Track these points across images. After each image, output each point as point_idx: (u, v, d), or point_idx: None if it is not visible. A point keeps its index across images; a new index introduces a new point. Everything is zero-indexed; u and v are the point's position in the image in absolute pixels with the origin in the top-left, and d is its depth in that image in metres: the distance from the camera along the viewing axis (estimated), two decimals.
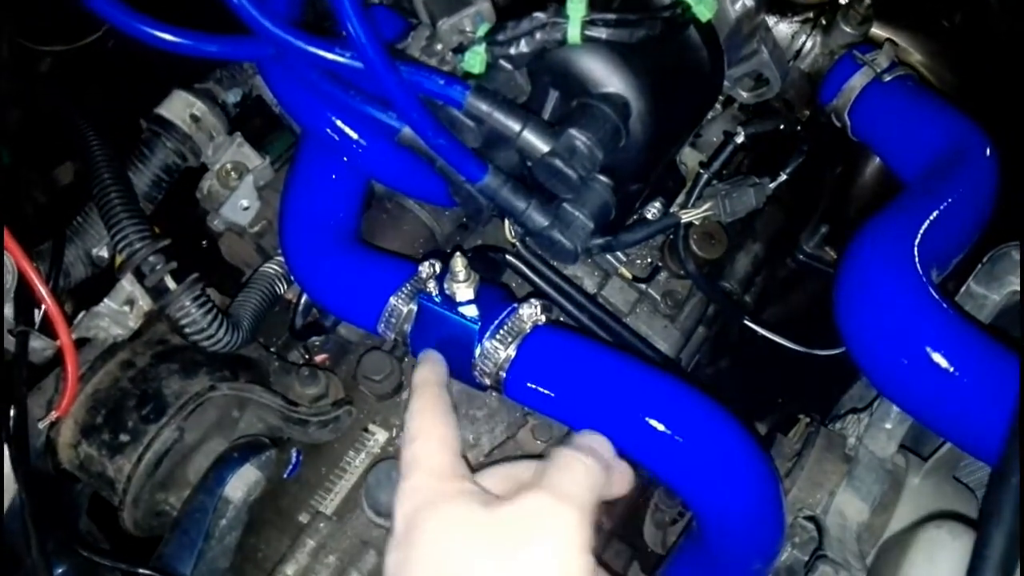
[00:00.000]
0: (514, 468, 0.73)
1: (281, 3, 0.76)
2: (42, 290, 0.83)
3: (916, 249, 0.75)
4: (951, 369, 0.73)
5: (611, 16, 0.73)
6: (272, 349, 1.10)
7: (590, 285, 1.14)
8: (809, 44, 0.98)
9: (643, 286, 1.15)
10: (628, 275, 1.15)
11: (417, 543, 0.62)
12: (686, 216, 1.03)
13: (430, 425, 0.71)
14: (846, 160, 1.38)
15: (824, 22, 0.99)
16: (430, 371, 0.79)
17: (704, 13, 0.76)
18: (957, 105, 0.95)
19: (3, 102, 0.98)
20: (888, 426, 0.98)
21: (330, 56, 0.72)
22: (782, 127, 1.06)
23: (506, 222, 1.02)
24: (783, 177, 1.07)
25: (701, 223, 1.06)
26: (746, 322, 1.16)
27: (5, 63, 0.99)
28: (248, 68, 1.05)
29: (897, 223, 0.78)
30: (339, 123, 0.93)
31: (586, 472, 0.66)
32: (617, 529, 1.28)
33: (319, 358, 1.10)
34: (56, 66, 1.49)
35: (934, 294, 0.75)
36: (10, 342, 0.85)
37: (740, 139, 1.02)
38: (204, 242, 1.15)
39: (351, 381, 1.03)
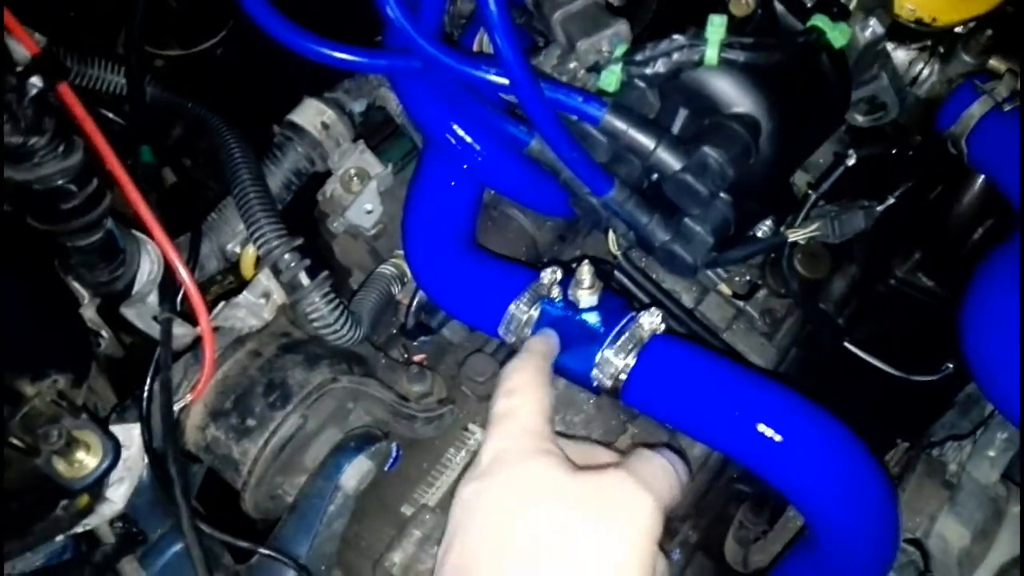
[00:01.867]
0: (595, 450, 0.75)
1: (431, 21, 0.80)
2: (187, 280, 0.88)
3: None
4: None
5: (749, 40, 0.76)
6: (377, 346, 1.15)
7: (688, 300, 1.16)
8: (927, 71, 1.00)
9: (741, 303, 1.17)
10: (727, 291, 1.17)
11: (500, 482, 0.64)
12: (793, 235, 1.04)
13: (530, 385, 0.72)
14: (943, 186, 1.38)
15: (943, 50, 1.00)
16: (542, 342, 0.81)
17: (839, 40, 0.78)
18: None
19: (140, 104, 1.04)
20: (992, 454, 0.98)
21: (478, 73, 0.76)
22: (894, 152, 1.07)
23: (610, 234, 1.05)
24: (891, 200, 1.08)
25: (806, 243, 1.08)
26: (847, 345, 1.17)
27: (138, 69, 1.05)
28: (373, 80, 1.10)
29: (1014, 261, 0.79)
30: (461, 133, 0.97)
31: (665, 471, 0.68)
32: (700, 543, 1.29)
33: (418, 357, 1.14)
34: (169, 70, 1.57)
35: None
36: (155, 328, 0.91)
37: (851, 161, 1.04)
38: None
39: (450, 380, 1.07)
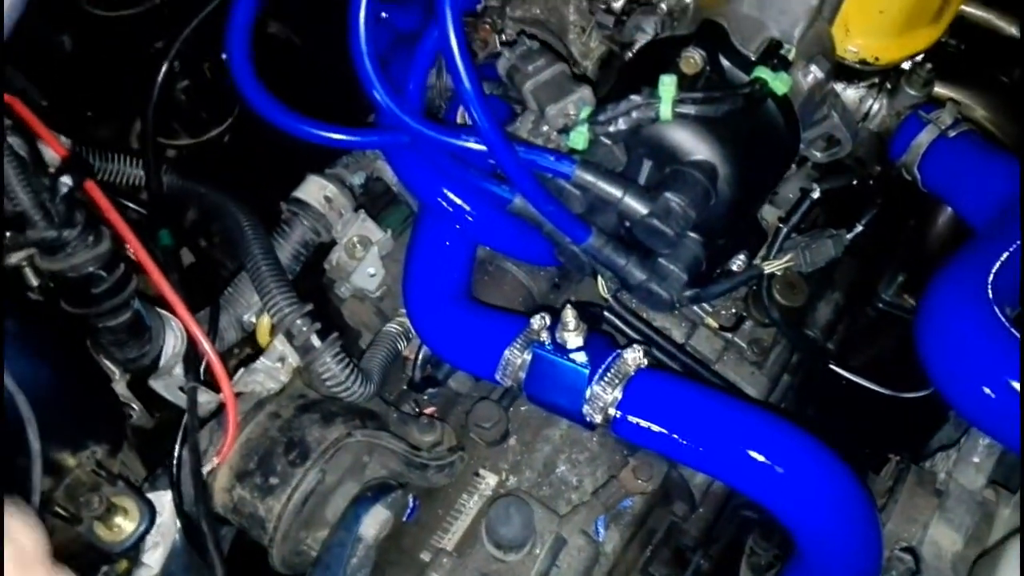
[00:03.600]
0: None
1: (415, 99, 0.90)
2: (209, 352, 0.96)
3: (990, 289, 0.82)
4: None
5: (698, 95, 0.84)
6: (389, 401, 1.22)
7: (678, 335, 1.22)
8: (876, 106, 1.08)
9: (729, 335, 1.23)
10: (714, 324, 1.23)
11: None
12: (768, 267, 1.11)
13: None
14: (919, 211, 1.45)
15: (889, 86, 1.08)
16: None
17: (780, 88, 0.86)
18: (1019, 155, 1.03)
19: (158, 193, 1.13)
20: (976, 460, 1.03)
21: (459, 142, 0.85)
22: (855, 182, 1.15)
23: (599, 279, 1.12)
24: (859, 228, 1.15)
25: (783, 273, 1.15)
26: (832, 367, 1.23)
27: (154, 162, 1.14)
28: (369, 154, 1.20)
29: (970, 266, 0.86)
30: (451, 196, 1.06)
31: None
32: (713, 571, 1.33)
33: (428, 410, 1.21)
34: (180, 158, 1.68)
35: (1011, 329, 0.82)
36: (181, 398, 0.99)
37: (816, 195, 1.11)
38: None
39: (460, 430, 1.13)
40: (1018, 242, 0.86)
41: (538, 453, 1.11)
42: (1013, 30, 1.28)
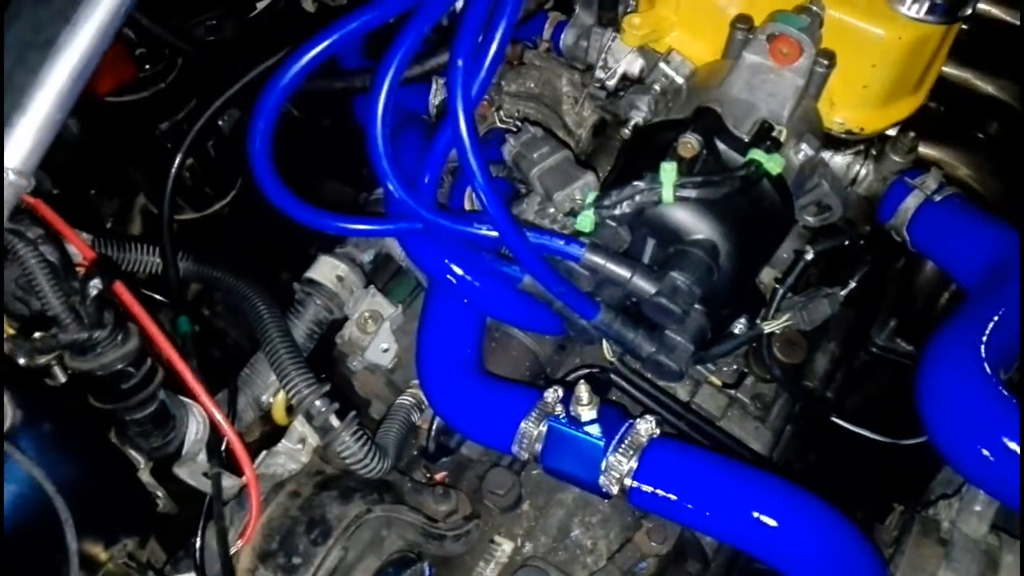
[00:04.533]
0: None
1: (430, 192, 0.94)
2: (232, 436, 0.99)
3: (983, 353, 0.87)
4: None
5: (698, 179, 0.89)
6: (401, 470, 1.24)
7: (683, 394, 1.26)
8: (863, 172, 1.12)
9: (733, 391, 1.27)
10: (718, 382, 1.27)
11: None
12: (768, 328, 1.15)
13: None
14: (907, 256, 1.49)
15: (875, 152, 1.13)
16: None
17: (774, 168, 0.91)
18: (1003, 215, 1.08)
19: (175, 279, 1.15)
20: (978, 508, 1.06)
21: (472, 230, 0.89)
22: (847, 243, 1.19)
23: (604, 343, 1.15)
24: (852, 286, 1.19)
25: (782, 331, 1.19)
26: (833, 419, 1.26)
27: (172, 252, 1.16)
28: None
29: (963, 332, 0.90)
30: (461, 273, 1.09)
31: None
32: None
33: (439, 476, 1.23)
34: (184, 232, 1.71)
35: (1004, 392, 0.86)
36: (205, 483, 1.01)
37: (809, 257, 1.16)
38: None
39: (473, 495, 1.16)
40: (1005, 305, 0.90)
41: (552, 517, 1.13)
42: (989, 88, 1.34)
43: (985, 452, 0.85)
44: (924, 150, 1.26)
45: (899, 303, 1.52)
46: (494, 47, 0.80)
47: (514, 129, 1.22)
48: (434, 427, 1.20)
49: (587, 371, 1.14)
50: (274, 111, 0.84)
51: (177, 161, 1.11)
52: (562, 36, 1.32)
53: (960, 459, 0.89)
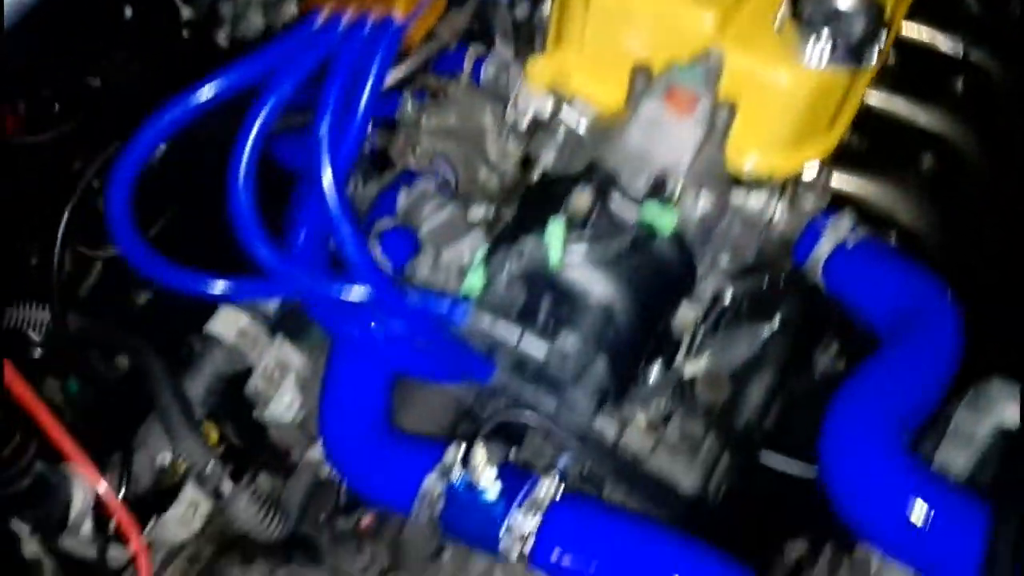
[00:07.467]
0: None
1: (305, 250, 0.90)
2: (117, 505, 0.95)
3: (885, 419, 0.83)
4: (927, 524, 0.80)
5: (587, 237, 0.85)
6: (321, 519, 1.20)
7: (610, 434, 1.22)
8: (778, 213, 1.09)
9: (661, 429, 1.23)
10: (643, 424, 1.24)
11: None
12: (688, 371, 1.12)
13: None
14: None
15: (789, 193, 1.09)
16: None
17: (667, 226, 0.87)
18: (921, 259, 1.05)
19: (64, 339, 1.11)
20: None
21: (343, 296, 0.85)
22: (766, 281, 1.16)
23: None
24: (775, 327, 1.16)
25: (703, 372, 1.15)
26: (760, 459, 1.23)
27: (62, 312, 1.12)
28: None
29: (866, 396, 0.87)
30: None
31: None
32: None
33: (365, 520, 1.19)
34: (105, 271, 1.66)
35: (907, 459, 0.82)
36: (93, 554, 0.97)
37: (727, 298, 1.12)
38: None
39: (393, 545, 1.12)
40: (913, 366, 0.87)
41: (473, 565, 1.10)
42: (922, 119, 1.31)
43: (886, 521, 0.82)
44: (850, 187, 1.23)
45: (841, 323, 1.49)
46: (359, 118, 0.76)
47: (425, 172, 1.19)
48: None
49: (496, 424, 1.10)
50: (128, 182, 0.80)
51: (65, 218, 1.07)
52: (482, 70, 1.28)
53: (861, 526, 0.86)
